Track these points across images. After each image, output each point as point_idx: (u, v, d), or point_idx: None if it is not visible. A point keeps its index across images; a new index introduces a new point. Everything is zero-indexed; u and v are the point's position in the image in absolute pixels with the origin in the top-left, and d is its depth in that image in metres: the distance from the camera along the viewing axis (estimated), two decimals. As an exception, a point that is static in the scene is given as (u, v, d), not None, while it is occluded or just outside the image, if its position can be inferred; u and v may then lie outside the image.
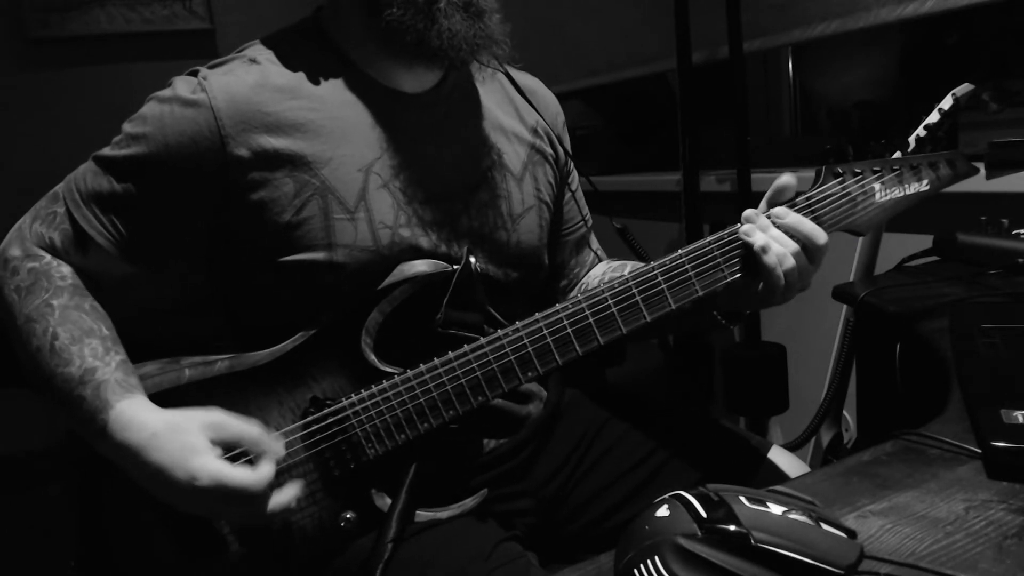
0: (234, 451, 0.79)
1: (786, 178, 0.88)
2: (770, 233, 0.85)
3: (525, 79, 1.06)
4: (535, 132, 1.04)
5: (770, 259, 0.83)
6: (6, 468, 2.78)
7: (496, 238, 0.96)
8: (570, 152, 1.08)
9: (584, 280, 1.13)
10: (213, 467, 0.75)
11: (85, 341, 0.81)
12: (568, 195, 1.10)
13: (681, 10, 2.03)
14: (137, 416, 0.78)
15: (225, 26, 3.19)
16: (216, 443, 0.77)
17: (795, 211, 0.86)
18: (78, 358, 0.80)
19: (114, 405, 0.78)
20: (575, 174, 1.11)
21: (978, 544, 0.58)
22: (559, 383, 1.07)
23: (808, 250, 0.85)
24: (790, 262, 0.84)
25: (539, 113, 1.04)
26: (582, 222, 1.13)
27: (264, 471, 0.77)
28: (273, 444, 0.80)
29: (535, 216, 1.00)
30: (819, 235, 0.85)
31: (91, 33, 3.08)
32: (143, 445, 0.77)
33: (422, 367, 0.84)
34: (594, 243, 1.16)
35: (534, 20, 2.80)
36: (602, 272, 1.12)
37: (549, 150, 1.05)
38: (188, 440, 0.76)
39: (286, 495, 0.79)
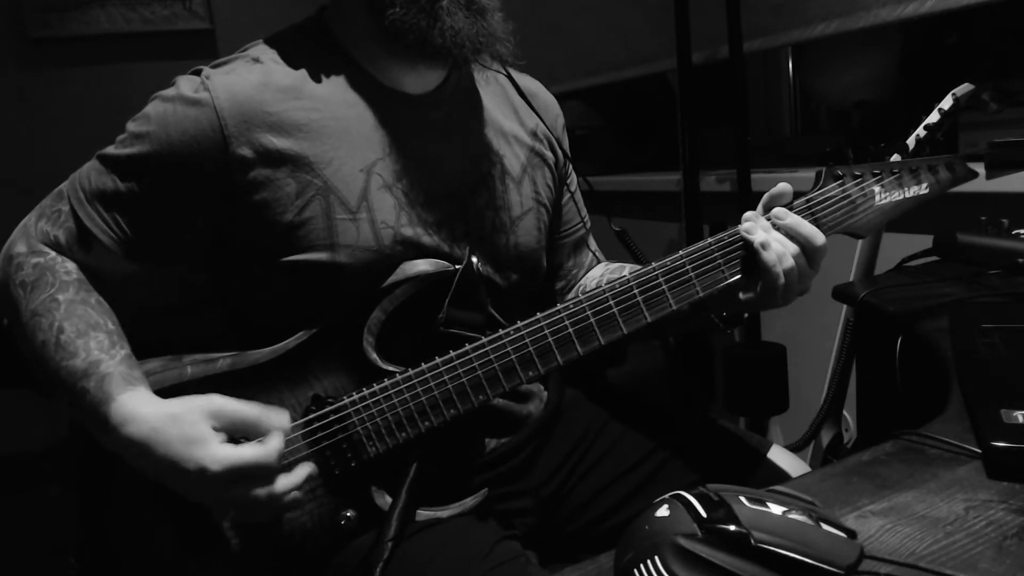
0: (238, 436, 0.78)
1: (782, 186, 0.89)
2: (770, 233, 0.85)
3: (526, 82, 1.06)
4: (535, 135, 1.04)
5: (769, 257, 0.84)
6: (6, 468, 2.78)
7: (495, 240, 0.96)
8: (569, 155, 1.09)
9: (582, 281, 1.13)
10: (221, 453, 0.75)
11: (91, 335, 0.82)
12: (567, 196, 1.10)
13: (681, 10, 2.03)
14: (137, 410, 0.77)
15: (225, 26, 3.20)
16: (219, 429, 0.77)
17: (794, 213, 0.87)
18: (84, 351, 0.80)
19: (115, 398, 0.78)
20: (574, 176, 1.12)
21: (978, 544, 0.59)
22: (559, 383, 1.07)
23: (807, 252, 0.86)
24: (789, 262, 0.85)
25: (539, 116, 1.04)
26: (581, 223, 1.13)
27: (273, 444, 0.76)
28: (276, 418, 0.78)
29: (533, 219, 1.00)
30: (817, 236, 0.86)
31: (91, 33, 3.09)
32: (146, 441, 0.76)
33: (423, 366, 0.84)
34: (592, 244, 1.17)
35: (534, 20, 2.80)
36: (600, 274, 1.12)
37: (548, 153, 1.05)
38: (189, 431, 0.75)
39: (298, 474, 0.78)
